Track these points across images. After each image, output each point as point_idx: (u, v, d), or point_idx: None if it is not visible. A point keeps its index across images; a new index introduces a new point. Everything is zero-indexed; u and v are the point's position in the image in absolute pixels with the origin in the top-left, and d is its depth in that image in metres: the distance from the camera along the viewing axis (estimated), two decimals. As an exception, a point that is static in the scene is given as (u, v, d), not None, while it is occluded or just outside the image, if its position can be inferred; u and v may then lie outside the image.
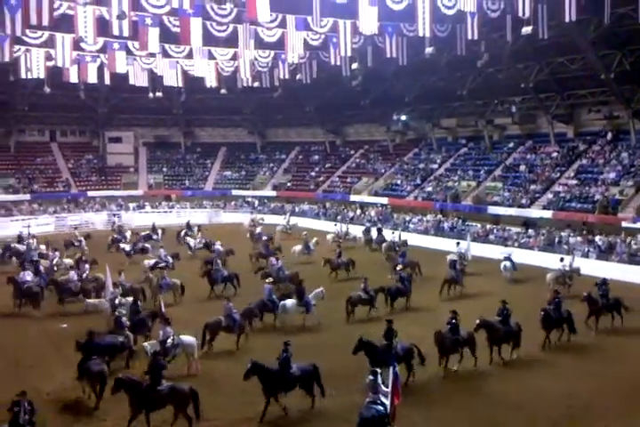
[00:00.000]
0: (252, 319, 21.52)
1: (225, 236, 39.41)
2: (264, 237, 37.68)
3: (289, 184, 59.31)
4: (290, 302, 22.34)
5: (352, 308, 22.93)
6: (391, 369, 13.23)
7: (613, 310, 21.49)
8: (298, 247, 35.71)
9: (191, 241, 38.09)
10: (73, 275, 26.05)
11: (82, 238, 37.71)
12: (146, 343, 17.63)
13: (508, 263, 30.22)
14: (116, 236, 39.63)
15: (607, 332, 21.17)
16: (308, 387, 15.13)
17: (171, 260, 31.36)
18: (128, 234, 40.35)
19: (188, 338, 17.94)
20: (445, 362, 17.41)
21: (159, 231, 41.27)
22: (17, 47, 29.00)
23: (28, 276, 25.70)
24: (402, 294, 24.66)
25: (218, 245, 33.98)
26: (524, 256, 33.86)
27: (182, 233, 41.22)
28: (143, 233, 40.01)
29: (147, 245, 36.74)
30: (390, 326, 16.98)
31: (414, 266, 30.00)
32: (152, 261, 30.81)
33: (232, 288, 26.96)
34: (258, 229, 40.93)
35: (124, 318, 19.14)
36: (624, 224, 33.58)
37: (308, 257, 34.86)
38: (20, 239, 36.87)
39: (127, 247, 35.78)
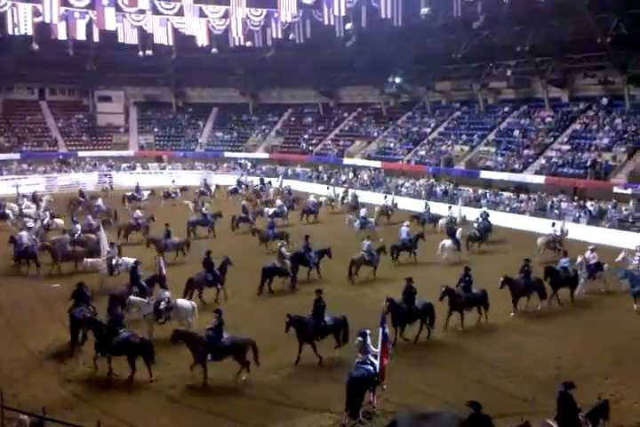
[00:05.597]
0: (392, 255, 25.67)
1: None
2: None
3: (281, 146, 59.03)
4: (448, 241, 26.39)
5: (472, 243, 28.30)
6: (380, 330, 13.36)
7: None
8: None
9: None
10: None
11: (178, 191, 42.60)
12: (136, 298, 17.61)
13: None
14: (202, 189, 44.06)
15: (598, 293, 21.80)
16: (337, 335, 15.89)
17: (286, 209, 35.65)
18: (213, 188, 45.05)
19: (183, 302, 17.72)
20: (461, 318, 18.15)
21: (243, 186, 46.43)
22: (3, 2, 28.43)
23: (24, 237, 25.55)
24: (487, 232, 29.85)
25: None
26: (515, 221, 34.21)
27: (258, 189, 46.06)
28: (230, 188, 45.33)
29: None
30: (410, 284, 17.35)
31: (284, 237, 29.03)
32: (271, 210, 34.93)
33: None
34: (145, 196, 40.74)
35: (284, 249, 22.68)
36: (616, 190, 33.72)
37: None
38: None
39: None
